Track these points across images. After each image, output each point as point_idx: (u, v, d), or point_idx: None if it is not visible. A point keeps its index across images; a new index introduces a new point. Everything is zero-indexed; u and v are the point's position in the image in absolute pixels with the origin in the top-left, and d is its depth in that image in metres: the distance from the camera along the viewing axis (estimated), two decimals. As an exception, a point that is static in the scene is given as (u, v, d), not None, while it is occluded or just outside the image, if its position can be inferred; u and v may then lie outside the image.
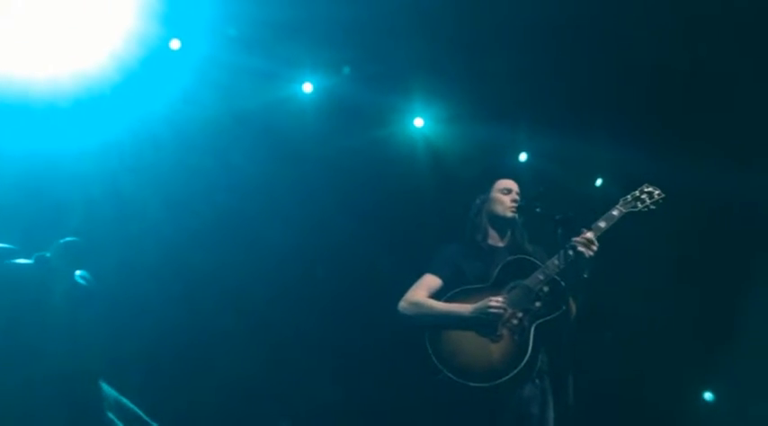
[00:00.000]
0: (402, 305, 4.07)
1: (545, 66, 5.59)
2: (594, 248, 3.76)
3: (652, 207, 4.02)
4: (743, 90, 5.73)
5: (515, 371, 3.73)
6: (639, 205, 4.01)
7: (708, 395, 7.05)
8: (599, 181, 6.72)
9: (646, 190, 4.06)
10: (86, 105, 5.02)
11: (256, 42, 5.30)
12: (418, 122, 6.20)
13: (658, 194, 4.05)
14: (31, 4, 4.74)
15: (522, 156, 6.50)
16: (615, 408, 6.12)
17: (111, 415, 2.79)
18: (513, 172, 4.97)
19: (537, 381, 3.87)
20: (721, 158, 5.88)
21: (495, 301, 3.85)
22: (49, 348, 2.60)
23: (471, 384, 3.74)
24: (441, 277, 4.12)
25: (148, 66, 5.13)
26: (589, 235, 3.80)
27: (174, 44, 5.27)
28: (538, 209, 3.96)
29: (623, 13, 5.24)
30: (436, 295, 4.06)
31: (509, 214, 4.15)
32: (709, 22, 5.25)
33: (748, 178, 5.97)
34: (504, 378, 3.73)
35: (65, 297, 2.69)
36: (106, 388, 2.84)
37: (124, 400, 2.89)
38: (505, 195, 4.21)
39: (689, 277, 6.41)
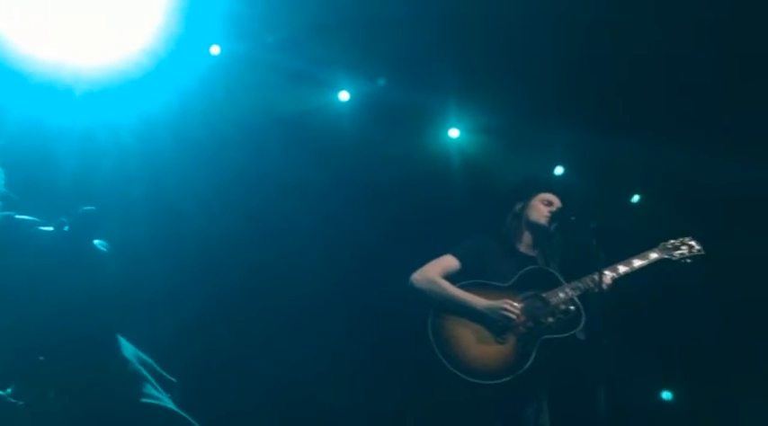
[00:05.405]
0: (416, 277, 4.04)
1: (583, 77, 5.52)
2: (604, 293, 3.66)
3: (688, 260, 4.04)
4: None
5: (510, 377, 3.70)
6: (677, 254, 4.03)
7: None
8: (635, 197, 6.63)
9: (687, 242, 4.07)
10: (126, 106, 5.10)
11: (294, 47, 5.35)
12: (453, 133, 6.17)
13: (698, 250, 4.06)
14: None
15: (558, 170, 6.44)
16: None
17: (134, 364, 2.87)
18: (548, 184, 4.92)
19: (534, 390, 3.84)
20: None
21: (511, 305, 3.83)
22: (67, 309, 2.70)
23: (462, 375, 3.71)
24: (460, 261, 4.09)
25: (187, 68, 5.19)
26: (608, 279, 3.75)
27: (215, 50, 5.33)
28: (573, 218, 3.95)
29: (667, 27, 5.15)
30: (451, 277, 4.03)
31: (543, 221, 4.12)
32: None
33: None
34: (496, 381, 3.71)
35: (83, 261, 2.78)
36: (124, 342, 2.91)
37: (141, 354, 2.95)
38: (545, 206, 4.20)
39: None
